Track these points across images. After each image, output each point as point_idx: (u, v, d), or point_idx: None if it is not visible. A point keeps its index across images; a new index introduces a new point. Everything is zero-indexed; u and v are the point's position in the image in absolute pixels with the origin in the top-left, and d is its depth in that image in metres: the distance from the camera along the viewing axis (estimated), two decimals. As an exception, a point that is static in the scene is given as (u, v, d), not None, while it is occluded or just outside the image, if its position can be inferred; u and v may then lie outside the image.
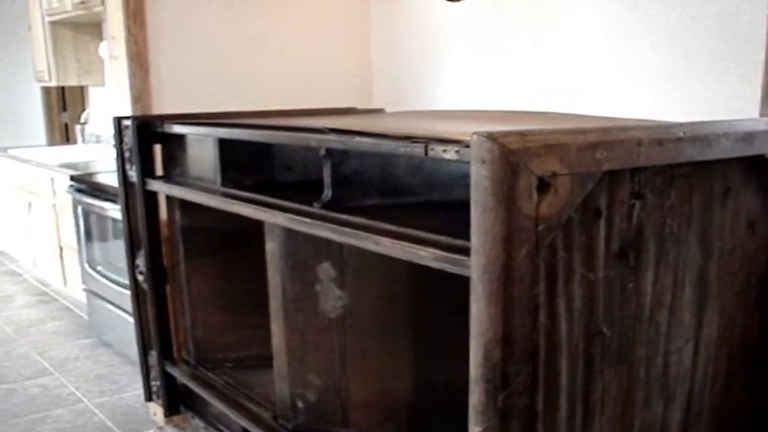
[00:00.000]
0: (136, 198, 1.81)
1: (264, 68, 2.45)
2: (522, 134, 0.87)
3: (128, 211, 1.87)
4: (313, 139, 1.23)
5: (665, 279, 1.14)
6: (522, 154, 0.86)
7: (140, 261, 1.87)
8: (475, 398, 0.97)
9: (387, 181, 1.32)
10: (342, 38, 2.62)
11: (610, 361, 1.11)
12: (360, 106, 2.25)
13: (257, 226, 1.52)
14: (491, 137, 0.84)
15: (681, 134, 1.03)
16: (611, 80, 2.18)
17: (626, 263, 1.07)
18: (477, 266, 0.90)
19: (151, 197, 1.80)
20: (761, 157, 1.19)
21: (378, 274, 1.43)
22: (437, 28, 2.45)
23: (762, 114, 1.63)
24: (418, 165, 1.33)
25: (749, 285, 1.30)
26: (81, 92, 6.35)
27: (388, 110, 2.20)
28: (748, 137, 1.14)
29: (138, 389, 3.59)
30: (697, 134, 1.06)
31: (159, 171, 1.84)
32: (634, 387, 1.17)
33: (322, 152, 1.25)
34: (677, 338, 1.20)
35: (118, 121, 1.80)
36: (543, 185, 0.89)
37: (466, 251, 0.93)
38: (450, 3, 2.28)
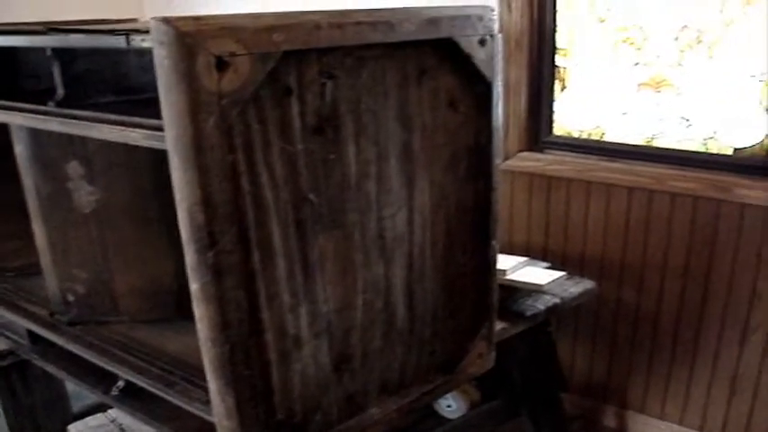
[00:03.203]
0: None
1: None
2: (196, 18, 0.98)
3: None
4: (36, 40, 1.30)
5: (367, 152, 1.29)
6: (197, 35, 0.97)
7: None
8: (189, 258, 1.10)
9: (120, 80, 1.42)
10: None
11: (323, 226, 1.26)
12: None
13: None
14: (165, 21, 0.95)
15: (361, 18, 1.17)
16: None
17: (324, 137, 1.21)
18: (169, 139, 1.02)
19: None
20: (450, 40, 1.35)
21: (125, 169, 1.53)
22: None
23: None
24: (149, 63, 1.42)
25: (457, 158, 1.47)
26: None
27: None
28: (433, 21, 1.30)
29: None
30: (378, 19, 1.20)
31: None
32: (351, 249, 1.32)
33: (48, 52, 1.32)
34: (389, 206, 1.36)
35: None
36: (222, 64, 1.00)
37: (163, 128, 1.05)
38: None
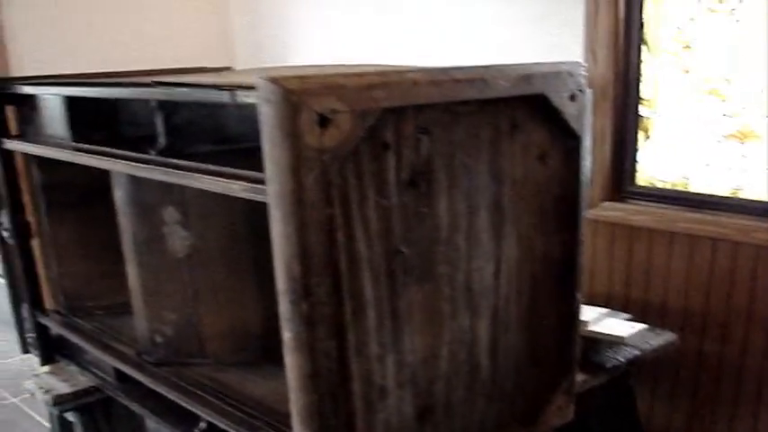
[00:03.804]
0: (-7, 159, 1.89)
1: (122, 30, 2.53)
2: (302, 77, 1.01)
3: (-13, 172, 1.94)
4: (143, 92, 1.35)
5: (459, 205, 1.30)
6: (301, 94, 1.00)
7: (4, 219, 1.95)
8: (283, 308, 1.12)
9: (218, 130, 1.47)
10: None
11: (413, 277, 1.27)
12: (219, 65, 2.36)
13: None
14: (273, 80, 0.99)
15: (457, 76, 1.19)
16: (451, 34, 2.37)
17: (418, 191, 1.22)
18: (271, 193, 1.05)
19: (8, 156, 1.87)
20: (542, 96, 1.36)
21: (220, 216, 1.58)
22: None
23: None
24: (248, 114, 1.47)
25: (545, 211, 1.47)
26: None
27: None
28: (526, 78, 1.31)
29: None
30: (474, 76, 1.22)
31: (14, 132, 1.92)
32: (439, 301, 1.33)
33: (153, 104, 1.38)
34: (477, 258, 1.37)
35: (-35, 85, 1.87)
36: (324, 121, 1.03)
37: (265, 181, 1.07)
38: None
